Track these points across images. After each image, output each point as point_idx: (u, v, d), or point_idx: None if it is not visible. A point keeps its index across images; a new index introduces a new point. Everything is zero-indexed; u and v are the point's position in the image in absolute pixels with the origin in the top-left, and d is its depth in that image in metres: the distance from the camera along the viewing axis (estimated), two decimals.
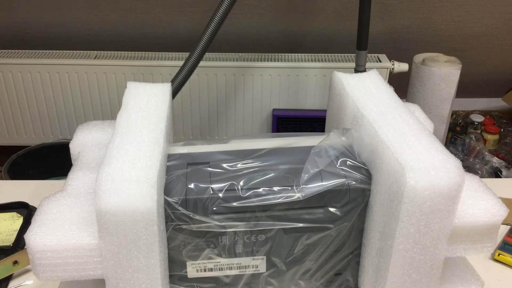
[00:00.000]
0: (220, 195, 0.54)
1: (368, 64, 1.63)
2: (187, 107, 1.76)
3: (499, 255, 0.75)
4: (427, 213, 0.51)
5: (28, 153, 1.64)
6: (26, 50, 1.73)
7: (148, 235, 0.51)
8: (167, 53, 1.74)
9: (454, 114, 2.12)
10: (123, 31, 1.79)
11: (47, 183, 0.93)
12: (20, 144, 1.80)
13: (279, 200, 0.54)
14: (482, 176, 1.76)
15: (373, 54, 1.78)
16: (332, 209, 0.56)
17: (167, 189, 0.54)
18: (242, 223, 0.55)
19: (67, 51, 1.74)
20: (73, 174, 0.62)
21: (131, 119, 0.60)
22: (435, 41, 1.86)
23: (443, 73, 1.64)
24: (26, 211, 0.82)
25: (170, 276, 0.58)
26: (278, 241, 0.58)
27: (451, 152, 0.58)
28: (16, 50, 1.73)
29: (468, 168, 1.81)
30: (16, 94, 1.73)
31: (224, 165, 0.57)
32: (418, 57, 1.74)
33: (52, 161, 1.65)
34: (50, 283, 0.70)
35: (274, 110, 1.76)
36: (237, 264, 0.59)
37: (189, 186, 0.54)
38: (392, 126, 0.58)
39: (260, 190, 0.55)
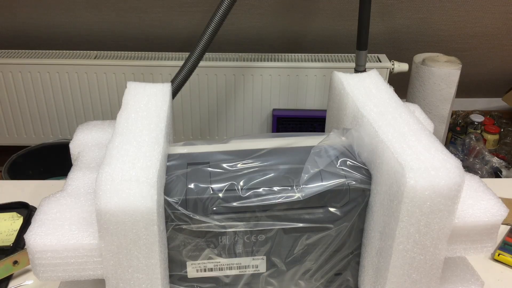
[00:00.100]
0: (220, 195, 0.54)
1: (368, 64, 1.63)
2: (187, 107, 1.76)
3: (499, 255, 0.75)
4: (427, 213, 0.51)
5: (28, 153, 1.64)
6: (26, 50, 1.73)
7: (148, 235, 0.51)
8: (167, 53, 1.74)
9: (454, 114, 2.12)
10: (123, 31, 1.79)
11: (47, 183, 0.93)
12: (20, 144, 1.80)
13: (279, 200, 0.54)
14: (482, 176, 1.76)
15: (373, 54, 1.78)
16: (332, 209, 0.56)
17: (167, 189, 0.54)
18: (242, 223, 0.55)
19: (67, 51, 1.74)
20: (73, 174, 0.62)
21: (131, 119, 0.60)
22: (435, 41, 1.86)
23: (443, 73, 1.64)
24: (26, 211, 0.82)
25: (170, 276, 0.58)
26: (278, 241, 0.58)
27: (451, 152, 0.58)
28: (16, 50, 1.73)
29: (468, 168, 1.81)
30: (16, 94, 1.73)
31: (224, 165, 0.57)
32: (418, 57, 1.74)
33: (52, 161, 1.65)
34: (50, 283, 0.70)
35: (274, 110, 1.76)
36: (237, 264, 0.59)
37: (189, 186, 0.54)
38: (392, 126, 0.58)
39: (260, 190, 0.55)
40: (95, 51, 1.74)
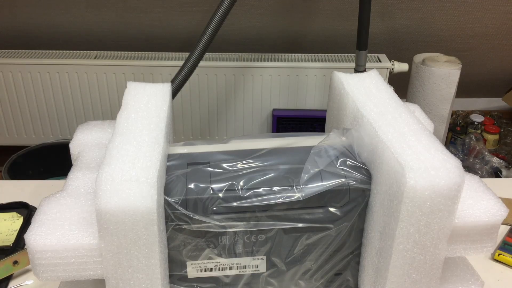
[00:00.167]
0: (220, 195, 0.54)
1: (368, 64, 1.63)
2: (187, 107, 1.76)
3: (499, 255, 0.75)
4: (427, 213, 0.51)
5: (28, 153, 1.64)
6: (26, 50, 1.73)
7: (148, 235, 0.51)
8: (167, 53, 1.74)
9: (454, 114, 2.12)
10: (123, 31, 1.79)
11: (47, 183, 0.93)
12: (20, 144, 1.80)
13: (279, 200, 0.54)
14: (482, 176, 1.76)
15: (373, 54, 1.78)
16: (332, 209, 0.56)
17: (167, 189, 0.54)
18: (242, 223, 0.55)
19: (67, 51, 1.74)
20: (73, 174, 0.62)
21: (131, 119, 0.60)
22: (435, 41, 1.86)
23: (443, 73, 1.64)
24: (26, 211, 0.82)
25: (170, 276, 0.58)
26: (278, 241, 0.58)
27: (451, 152, 0.58)
28: (16, 50, 1.73)
29: (468, 168, 1.81)
30: (16, 94, 1.73)
31: (224, 165, 0.57)
32: (418, 57, 1.74)
33: (52, 161, 1.65)
34: (50, 283, 0.70)
35: (274, 110, 1.76)
36: (237, 264, 0.59)
37: (189, 186, 0.54)
38: (392, 126, 0.58)
39: (260, 190, 0.55)
40: (95, 51, 1.74)
